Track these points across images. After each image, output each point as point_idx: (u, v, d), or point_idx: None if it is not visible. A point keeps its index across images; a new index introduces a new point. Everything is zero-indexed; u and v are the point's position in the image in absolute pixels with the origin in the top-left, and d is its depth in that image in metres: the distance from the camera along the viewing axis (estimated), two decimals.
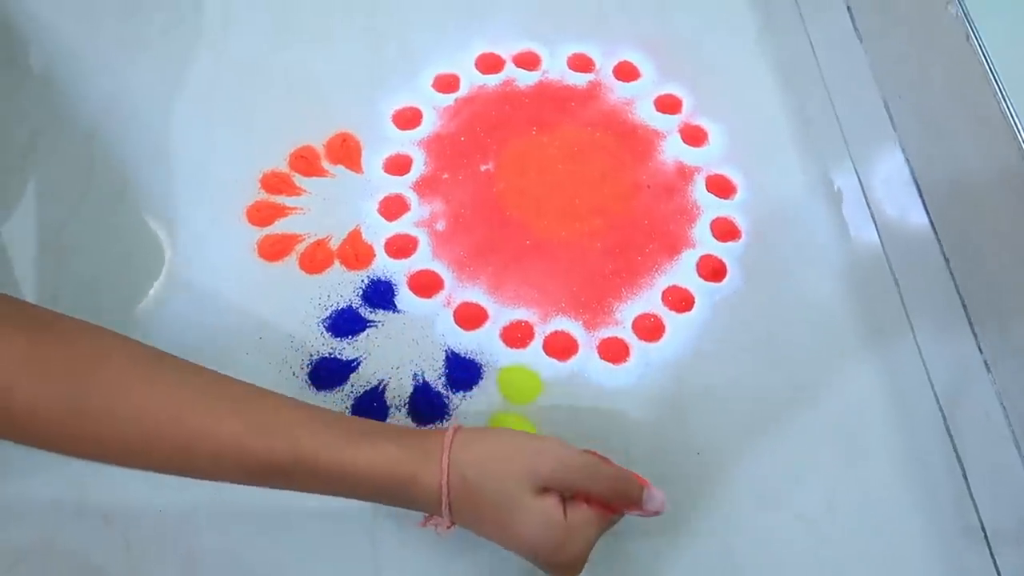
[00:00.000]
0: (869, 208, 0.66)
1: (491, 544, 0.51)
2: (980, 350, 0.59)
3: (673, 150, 0.68)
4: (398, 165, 0.67)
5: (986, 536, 0.55)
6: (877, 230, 0.65)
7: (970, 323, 0.59)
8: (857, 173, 0.68)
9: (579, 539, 0.45)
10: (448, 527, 0.47)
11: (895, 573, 0.54)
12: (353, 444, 0.46)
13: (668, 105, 0.70)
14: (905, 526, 0.55)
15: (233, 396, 0.46)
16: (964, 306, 0.60)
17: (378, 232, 0.64)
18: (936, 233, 0.62)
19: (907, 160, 0.65)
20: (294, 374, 0.59)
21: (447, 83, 0.71)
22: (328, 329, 0.61)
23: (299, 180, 0.66)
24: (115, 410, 0.44)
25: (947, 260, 0.62)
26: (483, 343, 0.60)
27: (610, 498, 0.47)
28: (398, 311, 0.61)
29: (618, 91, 0.71)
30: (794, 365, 0.60)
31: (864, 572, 0.54)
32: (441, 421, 0.58)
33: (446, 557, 0.54)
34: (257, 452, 0.44)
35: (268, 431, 0.45)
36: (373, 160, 0.67)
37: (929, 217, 0.63)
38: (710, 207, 0.66)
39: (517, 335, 0.61)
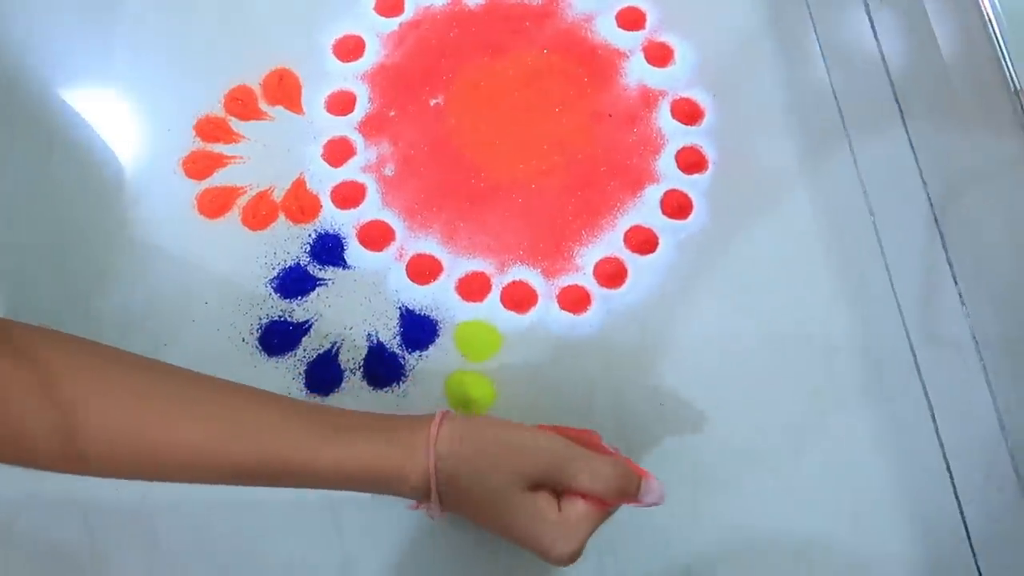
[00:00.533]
0: (847, 134, 0.63)
1: (455, 523, 0.51)
2: (955, 281, 0.57)
3: (636, 72, 0.64)
4: (341, 103, 0.63)
5: (953, 481, 0.55)
6: (855, 160, 0.62)
7: (950, 264, 0.57)
8: (835, 92, 0.64)
9: (573, 534, 0.45)
10: (439, 515, 0.47)
11: (863, 521, 0.54)
12: (328, 443, 0.45)
13: (631, 20, 0.65)
14: (872, 475, 0.55)
15: (196, 401, 0.45)
16: (944, 247, 0.57)
17: (323, 180, 0.61)
18: (916, 158, 0.59)
19: (889, 77, 0.61)
20: (244, 340, 0.58)
21: (390, 5, 0.66)
22: (276, 290, 0.59)
23: (236, 125, 0.63)
24: (77, 427, 0.43)
25: (924, 183, 0.59)
26: (438, 297, 0.59)
27: (605, 494, 0.45)
28: (348, 267, 0.59)
29: (577, 5, 0.66)
30: (764, 309, 0.58)
31: (831, 520, 0.54)
32: (398, 383, 0.57)
33: (412, 534, 0.54)
34: (222, 460, 0.44)
35: (237, 437, 0.44)
36: (314, 98, 0.63)
37: (910, 140, 0.60)
38: (676, 136, 0.62)
39: (473, 287, 0.59)
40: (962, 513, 0.54)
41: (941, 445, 0.55)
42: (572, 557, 0.45)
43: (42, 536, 0.54)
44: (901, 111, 0.60)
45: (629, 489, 0.46)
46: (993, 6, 0.49)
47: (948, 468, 0.55)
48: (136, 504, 0.54)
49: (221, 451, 0.44)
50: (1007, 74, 0.49)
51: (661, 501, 0.47)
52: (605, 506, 0.46)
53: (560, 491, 0.45)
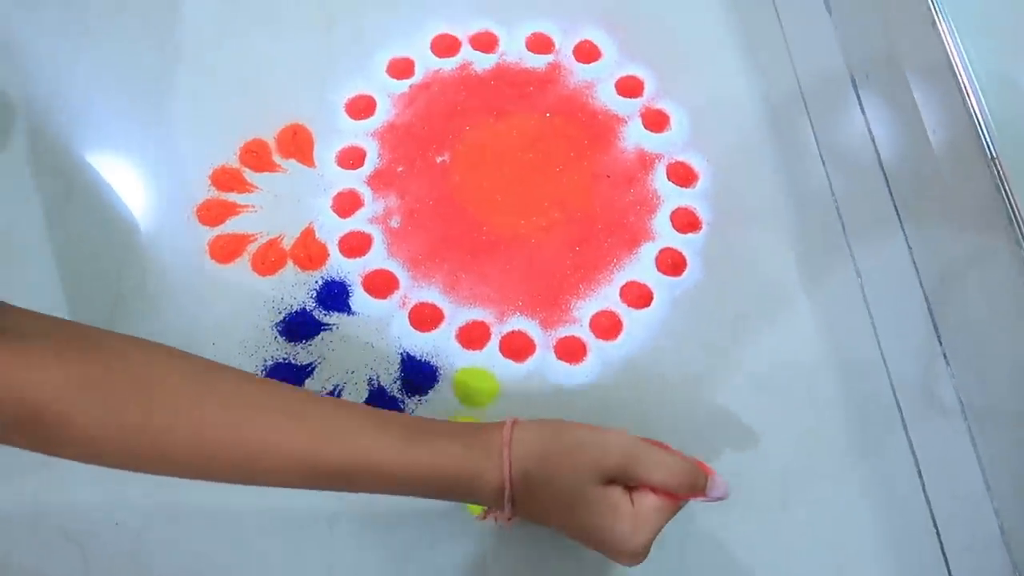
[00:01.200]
0: (834, 197, 0.66)
1: (445, 544, 0.52)
2: (940, 341, 0.60)
3: (634, 136, 0.68)
4: (351, 158, 0.67)
5: (939, 534, 0.56)
6: (841, 222, 0.65)
7: (932, 317, 0.59)
8: (823, 160, 0.67)
9: (647, 527, 0.47)
10: (509, 519, 0.49)
11: (848, 568, 0.56)
12: (414, 445, 0.47)
13: (630, 88, 0.70)
14: (858, 522, 0.57)
15: (288, 406, 0.48)
16: (927, 301, 0.60)
17: (331, 230, 0.64)
18: (902, 226, 0.63)
19: (874, 145, 0.65)
20: None
21: (401, 68, 0.70)
22: (282, 333, 0.61)
23: (250, 176, 0.66)
24: (175, 428, 0.45)
25: (911, 249, 0.62)
26: (439, 345, 0.61)
27: (676, 488, 0.48)
28: (353, 313, 0.62)
29: (578, 73, 0.70)
30: (755, 361, 0.61)
31: (816, 572, 0.56)
32: None
33: (400, 562, 0.55)
34: (320, 462, 0.46)
35: (329, 440, 0.47)
36: (325, 153, 0.67)
37: (896, 208, 0.63)
38: (671, 197, 0.66)
39: (473, 336, 0.61)
40: (949, 571, 0.55)
41: (927, 498, 0.57)
42: (644, 550, 0.47)
43: (37, 567, 0.55)
44: (886, 176, 0.64)
45: (698, 483, 0.49)
46: (979, 102, 0.53)
47: (935, 524, 0.57)
48: (132, 536, 0.56)
49: (322, 455, 0.46)
50: (994, 169, 0.52)
51: (727, 496, 0.49)
52: (676, 500, 0.48)
53: (631, 487, 0.48)
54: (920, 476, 0.58)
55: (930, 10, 0.57)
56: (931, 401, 0.60)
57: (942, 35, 0.56)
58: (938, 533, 0.56)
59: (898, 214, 0.63)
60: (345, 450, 0.46)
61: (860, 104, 0.67)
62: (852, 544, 0.56)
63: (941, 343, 0.59)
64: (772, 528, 0.57)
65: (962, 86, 0.54)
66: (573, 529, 0.49)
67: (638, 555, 0.47)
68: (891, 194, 0.63)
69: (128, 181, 0.66)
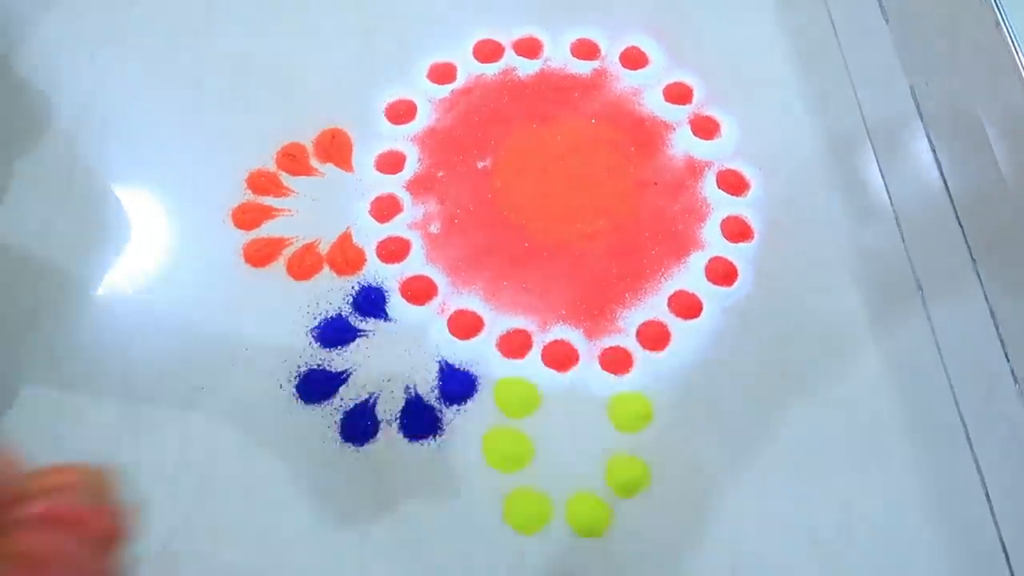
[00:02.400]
0: (892, 206, 0.65)
1: (480, 558, 0.51)
2: (1007, 359, 0.58)
3: (683, 143, 0.67)
4: (391, 162, 0.66)
5: (1008, 559, 0.54)
6: (900, 232, 0.64)
7: (999, 334, 0.58)
8: (880, 167, 0.66)
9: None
10: None
11: None
12: None
13: (678, 94, 0.69)
14: (923, 552, 0.55)
15: None
16: (993, 316, 0.58)
17: (369, 235, 0.64)
18: (964, 236, 0.61)
19: (935, 154, 0.64)
20: (280, 387, 0.59)
21: (443, 73, 0.70)
22: (317, 339, 0.61)
23: (287, 180, 0.66)
24: None
25: (974, 261, 0.60)
26: (478, 353, 0.60)
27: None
28: (390, 319, 0.61)
29: (625, 79, 0.70)
30: (808, 376, 0.59)
31: None
32: (435, 436, 0.58)
33: None
34: None
35: None
36: (364, 157, 0.67)
37: (957, 217, 0.62)
38: (721, 205, 0.65)
39: (514, 345, 0.60)
40: None
41: (995, 518, 0.55)
42: None
43: None
44: (947, 185, 0.62)
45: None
46: None
47: (1003, 546, 0.54)
48: (159, 554, 0.55)
49: None
50: None
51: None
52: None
53: None
54: (998, 528, 0.56)
55: (1000, 26, 0.56)
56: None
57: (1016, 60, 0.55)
58: (1008, 559, 0.54)
59: (967, 242, 0.61)
60: None
61: (919, 111, 0.66)
62: (917, 569, 0.54)
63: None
64: (829, 553, 0.54)
65: None
66: None
67: None
68: (958, 219, 0.61)
69: (163, 184, 0.66)
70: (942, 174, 0.63)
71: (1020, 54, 0.55)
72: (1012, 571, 0.54)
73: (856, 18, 0.71)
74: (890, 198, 0.65)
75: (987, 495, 0.56)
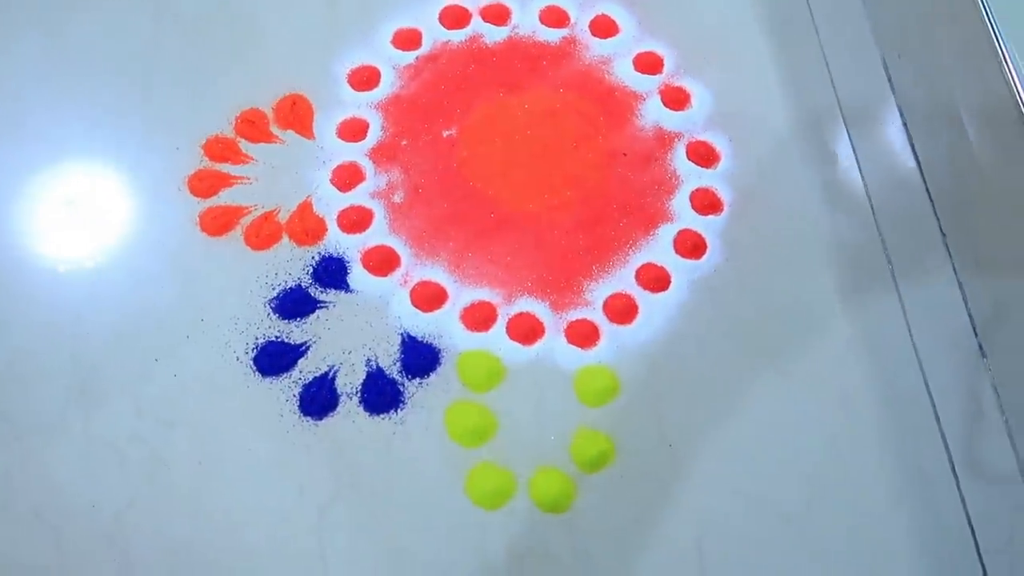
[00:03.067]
0: (863, 177, 0.65)
1: (441, 530, 0.50)
2: (975, 332, 0.58)
3: (653, 114, 0.66)
4: (353, 130, 0.65)
5: (974, 534, 0.54)
6: (870, 201, 0.64)
7: (966, 304, 0.58)
8: (851, 139, 0.66)
9: None
10: None
11: (877, 572, 0.54)
12: None
13: (648, 64, 0.68)
14: (891, 527, 0.55)
15: None
16: (961, 287, 0.59)
17: (330, 204, 0.63)
18: (933, 204, 0.61)
19: (906, 127, 0.64)
20: (238, 359, 0.58)
21: (408, 39, 0.69)
22: (275, 310, 0.59)
23: (245, 146, 0.64)
24: None
25: (944, 234, 0.60)
26: (442, 325, 0.59)
27: None
28: (351, 291, 0.60)
29: (594, 48, 0.69)
30: (776, 350, 0.59)
31: (846, 573, 0.54)
32: (396, 410, 0.57)
33: (396, 559, 0.53)
34: None
35: None
36: (326, 125, 0.65)
37: (926, 186, 0.62)
38: (691, 177, 0.64)
39: (479, 317, 0.59)
40: (983, 565, 0.53)
41: (962, 496, 0.55)
42: None
43: (8, 550, 0.53)
44: (918, 158, 0.62)
45: None
46: None
47: (971, 525, 0.55)
48: (109, 519, 0.54)
49: None
50: None
51: None
52: None
53: None
54: (954, 471, 0.56)
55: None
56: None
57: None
58: (974, 533, 0.54)
59: (937, 217, 0.61)
60: None
61: (892, 87, 0.66)
62: (883, 550, 0.54)
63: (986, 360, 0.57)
64: (797, 527, 0.54)
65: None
66: None
67: None
68: (929, 194, 0.61)
69: (117, 149, 0.64)
70: (913, 148, 0.63)
71: (994, 27, 0.54)
72: (978, 546, 0.54)
73: None
74: (861, 172, 0.65)
75: (953, 470, 0.56)
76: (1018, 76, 0.52)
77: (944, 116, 0.60)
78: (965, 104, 0.58)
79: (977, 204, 0.58)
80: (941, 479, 0.56)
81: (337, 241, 0.62)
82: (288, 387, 0.57)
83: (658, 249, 0.62)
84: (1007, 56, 0.53)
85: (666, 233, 0.62)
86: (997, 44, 0.54)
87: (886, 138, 0.65)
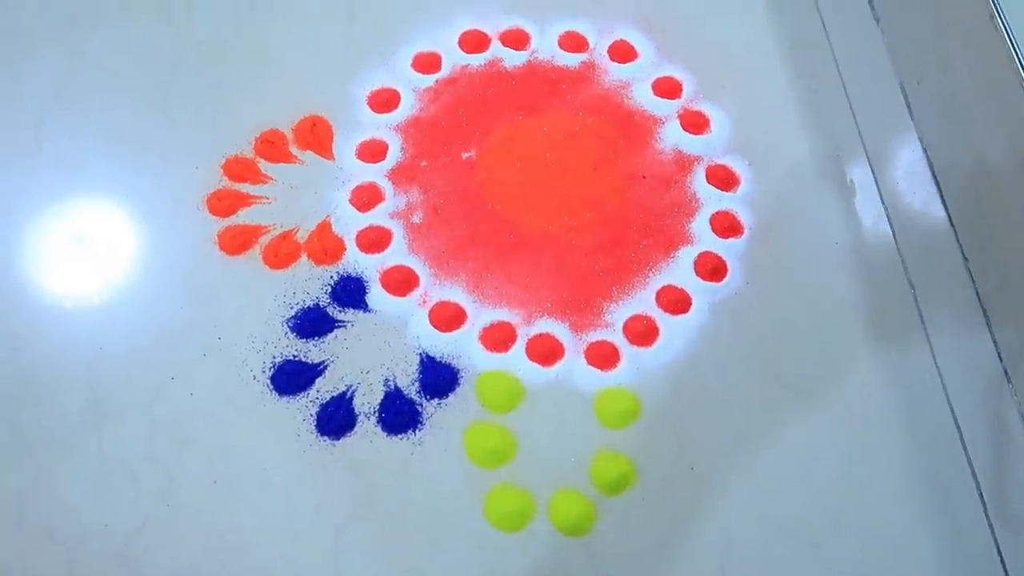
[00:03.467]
0: (883, 202, 0.65)
1: (457, 553, 0.49)
2: (1000, 357, 0.57)
3: (672, 138, 0.66)
4: (372, 151, 0.65)
5: (1002, 559, 0.53)
6: (891, 226, 0.64)
7: (989, 327, 0.57)
8: (871, 164, 0.66)
9: None
10: None
11: None
12: None
13: (667, 89, 0.68)
14: (916, 549, 0.54)
15: None
16: (983, 310, 0.58)
17: (349, 224, 0.63)
18: (955, 230, 0.61)
19: (925, 151, 0.63)
20: (255, 377, 0.58)
21: (427, 63, 0.69)
22: (293, 329, 0.59)
23: (265, 166, 0.64)
24: None
25: (966, 259, 0.60)
26: (461, 346, 0.59)
27: None
28: (369, 310, 0.60)
29: (613, 73, 0.69)
30: (798, 373, 0.59)
31: None
32: (414, 431, 0.56)
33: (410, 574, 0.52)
34: None
35: None
36: (345, 146, 0.66)
37: (947, 213, 0.61)
38: (710, 200, 0.64)
39: (498, 337, 0.59)
40: None
41: (989, 523, 0.54)
42: None
43: (19, 569, 0.52)
44: (937, 182, 0.62)
45: None
46: None
47: (998, 549, 0.54)
48: (121, 540, 0.53)
49: None
50: None
51: None
52: None
53: None
54: (981, 498, 0.55)
55: (994, 19, 0.55)
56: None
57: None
58: (1002, 560, 0.53)
59: (958, 241, 0.61)
60: None
61: (911, 114, 0.66)
62: (910, 570, 0.53)
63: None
64: (822, 553, 0.53)
65: None
66: None
67: None
68: (950, 218, 0.61)
69: (137, 169, 0.65)
70: (933, 174, 0.63)
71: (1015, 48, 0.55)
72: (1006, 570, 0.53)
73: (846, 15, 0.70)
74: (881, 196, 0.65)
75: (981, 497, 0.55)
76: None
77: (964, 141, 0.60)
78: (985, 128, 0.58)
79: (999, 227, 0.58)
80: (968, 506, 0.55)
81: (356, 261, 0.61)
82: (305, 407, 0.57)
83: (678, 271, 0.62)
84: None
85: (686, 255, 0.62)
86: (1015, 59, 0.54)
87: (906, 163, 0.65)
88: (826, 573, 0.53)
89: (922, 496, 0.55)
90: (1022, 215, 0.55)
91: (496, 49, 0.70)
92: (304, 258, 0.61)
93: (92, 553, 0.53)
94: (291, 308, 0.60)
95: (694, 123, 0.67)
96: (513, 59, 0.70)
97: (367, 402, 0.57)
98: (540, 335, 0.59)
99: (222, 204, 0.63)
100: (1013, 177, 0.55)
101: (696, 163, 0.66)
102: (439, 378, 0.58)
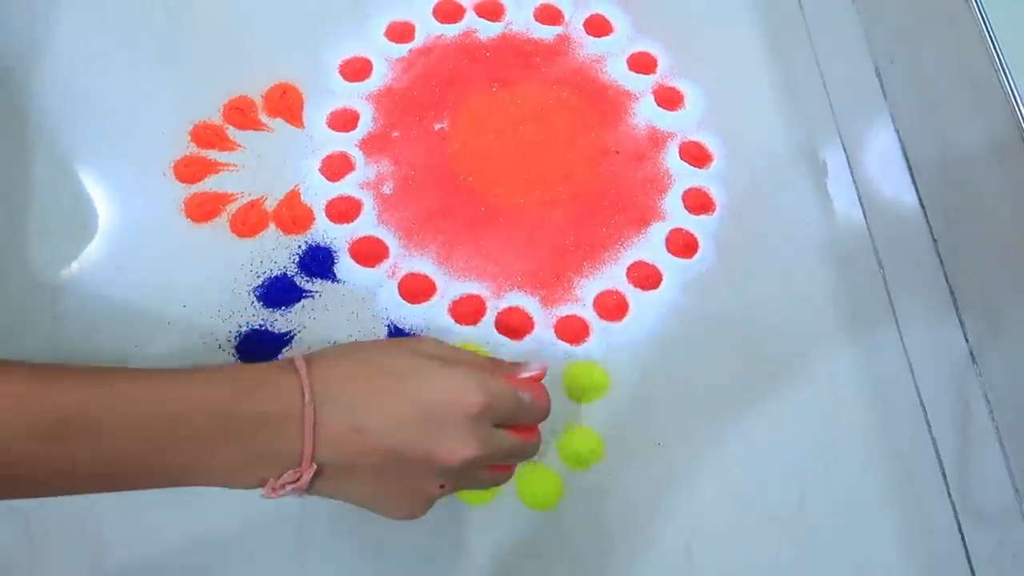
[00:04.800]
0: (855, 183, 0.65)
1: (424, 528, 0.49)
2: (966, 339, 0.58)
3: (645, 113, 0.66)
4: (343, 120, 0.64)
5: (963, 537, 0.54)
6: (863, 208, 0.64)
7: (957, 311, 0.57)
8: (844, 145, 0.66)
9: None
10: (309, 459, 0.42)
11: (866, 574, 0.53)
12: (182, 374, 0.42)
13: (642, 64, 0.68)
14: (880, 528, 0.54)
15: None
16: (951, 292, 0.58)
17: (319, 193, 0.62)
18: (925, 213, 0.61)
19: (897, 133, 0.64)
20: (220, 347, 0.57)
21: (401, 32, 0.68)
22: (260, 298, 0.58)
23: (233, 133, 0.63)
24: None
25: (935, 242, 0.60)
26: (430, 318, 0.58)
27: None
28: (337, 281, 0.59)
29: (588, 47, 0.69)
30: (767, 351, 0.59)
31: (834, 573, 0.53)
32: None
33: (376, 551, 0.52)
34: (50, 402, 0.39)
35: (57, 374, 0.40)
36: (316, 114, 0.65)
37: (918, 196, 0.61)
38: (683, 176, 0.64)
39: (467, 310, 0.59)
40: (970, 565, 0.53)
41: (951, 500, 0.55)
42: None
43: None
44: (909, 165, 0.62)
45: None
46: None
47: (959, 525, 0.54)
48: (80, 512, 0.52)
49: (43, 389, 0.39)
50: None
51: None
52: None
53: None
54: (944, 477, 0.56)
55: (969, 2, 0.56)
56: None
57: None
58: (962, 534, 0.54)
59: (928, 222, 0.61)
60: (87, 381, 0.40)
61: (884, 95, 0.66)
62: (873, 547, 0.54)
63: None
64: (786, 529, 0.54)
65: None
66: (406, 432, 0.43)
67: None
68: (920, 199, 0.61)
69: (101, 132, 0.63)
70: (905, 154, 0.63)
71: (990, 30, 0.55)
72: (968, 551, 0.54)
73: None
74: (853, 177, 0.65)
75: (944, 476, 0.56)
76: (1014, 81, 0.53)
77: (936, 123, 0.60)
78: (957, 111, 0.58)
79: (969, 211, 0.58)
80: (931, 485, 0.56)
81: (324, 230, 0.61)
82: None
83: (649, 247, 0.61)
84: (1003, 62, 0.53)
85: (658, 231, 0.62)
86: (988, 40, 0.54)
87: (879, 145, 0.65)
88: (790, 548, 0.54)
89: (886, 475, 0.56)
90: (992, 199, 0.55)
91: (471, 20, 0.69)
92: (272, 227, 0.61)
93: (53, 523, 0.52)
94: (258, 277, 0.59)
95: (668, 99, 0.67)
96: (488, 30, 0.69)
97: None
98: (510, 308, 0.59)
99: (189, 171, 0.62)
100: (984, 160, 0.55)
101: (669, 139, 0.65)
102: None
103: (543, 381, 0.50)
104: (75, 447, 0.39)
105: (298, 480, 0.42)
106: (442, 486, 0.44)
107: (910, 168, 0.63)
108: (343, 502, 0.46)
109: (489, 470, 0.48)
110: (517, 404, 0.47)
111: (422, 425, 0.43)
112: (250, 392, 0.42)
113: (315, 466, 0.42)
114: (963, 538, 0.54)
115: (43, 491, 0.41)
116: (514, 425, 0.48)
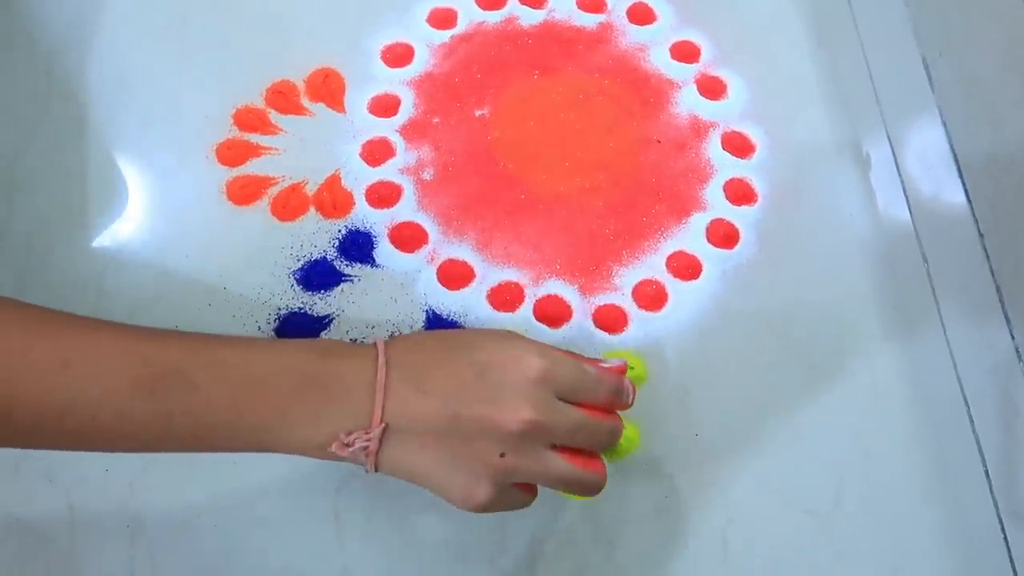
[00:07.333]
0: (900, 177, 0.64)
1: (459, 521, 0.49)
2: (1012, 336, 0.57)
3: (688, 102, 0.66)
4: (385, 106, 0.65)
5: (1006, 538, 0.53)
6: (908, 202, 0.63)
7: (1004, 309, 0.56)
8: (890, 138, 0.65)
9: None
10: (380, 425, 0.43)
11: (903, 571, 0.53)
12: (264, 342, 0.47)
13: (685, 53, 0.68)
14: (919, 526, 0.54)
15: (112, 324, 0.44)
16: (998, 290, 0.57)
17: (359, 178, 0.62)
18: (972, 210, 0.60)
19: (945, 127, 0.63)
20: (259, 328, 0.57)
21: (443, 18, 0.68)
22: (299, 281, 0.59)
23: (275, 118, 0.64)
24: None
25: (982, 237, 0.59)
26: (468, 304, 0.59)
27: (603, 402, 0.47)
28: (377, 265, 0.59)
29: (631, 35, 0.68)
30: (807, 344, 0.58)
31: (872, 572, 0.53)
32: None
33: (410, 538, 0.52)
34: (151, 357, 0.42)
35: (155, 335, 0.44)
36: (357, 99, 0.65)
37: (966, 191, 0.60)
38: (725, 167, 0.63)
39: (506, 297, 0.59)
40: (1013, 566, 0.52)
41: (994, 500, 0.54)
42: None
43: (20, 513, 0.52)
44: (956, 160, 0.61)
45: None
46: None
47: (1001, 526, 0.54)
48: (122, 486, 0.53)
49: (146, 345, 0.43)
50: None
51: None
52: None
53: None
54: (987, 475, 0.55)
55: None
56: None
57: None
58: (1004, 530, 0.53)
59: (974, 216, 0.60)
60: (184, 341, 0.43)
61: (932, 87, 0.65)
62: (911, 545, 0.53)
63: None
64: (823, 524, 0.53)
65: None
66: (465, 393, 0.44)
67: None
68: (966, 192, 0.60)
69: (145, 115, 0.64)
70: (952, 148, 0.62)
71: None
72: (1009, 549, 0.53)
73: None
74: (898, 170, 0.64)
75: (987, 474, 0.55)
76: None
77: (985, 117, 0.59)
78: (1006, 104, 0.57)
79: (1018, 206, 0.57)
80: (973, 480, 0.55)
81: (364, 215, 0.61)
82: None
83: (690, 237, 0.61)
84: None
85: (698, 221, 0.62)
86: None
87: (925, 138, 0.64)
88: (826, 543, 0.53)
89: (926, 473, 0.55)
90: None
91: (513, 6, 0.69)
92: (313, 211, 0.61)
93: (92, 497, 0.53)
94: (298, 260, 0.59)
95: (711, 88, 0.66)
96: (530, 17, 0.69)
97: None
98: (548, 296, 0.59)
99: (231, 154, 0.63)
100: None
101: (711, 129, 0.65)
102: None
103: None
104: (172, 400, 0.41)
105: (368, 436, 0.43)
106: (503, 455, 0.44)
107: (957, 163, 0.62)
108: (408, 482, 0.46)
109: (564, 456, 0.46)
110: (580, 375, 0.46)
111: (480, 386, 0.44)
112: (330, 356, 0.45)
113: (384, 424, 0.43)
114: (1006, 538, 0.53)
115: (137, 444, 0.44)
116: (581, 402, 0.46)
